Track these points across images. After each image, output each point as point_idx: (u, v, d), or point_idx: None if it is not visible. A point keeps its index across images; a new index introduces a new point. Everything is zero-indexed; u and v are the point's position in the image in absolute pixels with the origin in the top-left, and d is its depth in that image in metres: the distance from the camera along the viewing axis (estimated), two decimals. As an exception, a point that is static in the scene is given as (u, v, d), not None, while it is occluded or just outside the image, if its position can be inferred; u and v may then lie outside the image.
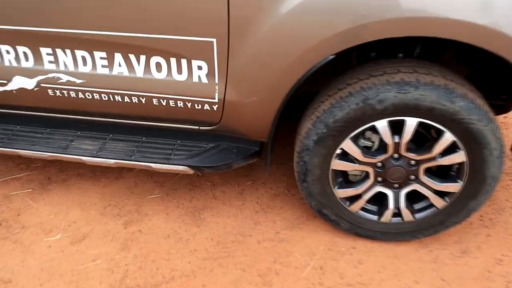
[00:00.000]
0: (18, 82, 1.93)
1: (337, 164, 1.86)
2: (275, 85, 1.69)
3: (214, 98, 1.78)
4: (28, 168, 2.53)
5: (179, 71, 1.75)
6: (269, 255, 2.01)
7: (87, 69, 1.83)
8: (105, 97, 1.89)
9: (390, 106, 1.66)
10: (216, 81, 1.74)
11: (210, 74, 1.73)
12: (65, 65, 1.84)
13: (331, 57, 1.59)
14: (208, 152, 2.02)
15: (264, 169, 2.03)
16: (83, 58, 1.81)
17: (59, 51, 1.81)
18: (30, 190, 2.38)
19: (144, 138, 2.10)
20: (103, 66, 1.81)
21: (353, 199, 1.98)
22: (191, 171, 1.99)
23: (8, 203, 2.31)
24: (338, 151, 1.82)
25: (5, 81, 1.94)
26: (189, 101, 1.82)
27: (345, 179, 1.98)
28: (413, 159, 1.81)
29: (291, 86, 1.67)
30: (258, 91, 1.72)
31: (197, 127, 1.95)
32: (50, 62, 1.85)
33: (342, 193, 1.95)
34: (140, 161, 2.00)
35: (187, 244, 2.07)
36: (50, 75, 1.88)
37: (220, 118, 1.86)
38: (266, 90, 1.71)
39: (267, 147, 2.00)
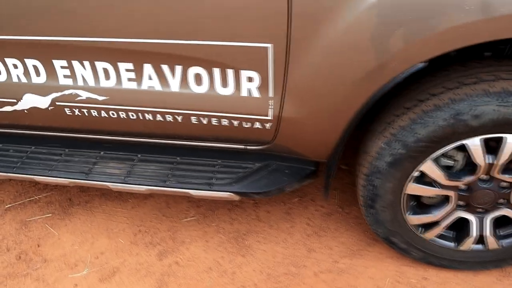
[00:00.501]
0: (30, 101, 1.58)
1: (414, 189, 1.50)
2: (346, 98, 1.32)
3: (267, 115, 1.41)
4: (47, 188, 2.20)
5: (224, 84, 1.38)
6: (329, 291, 1.68)
7: (111, 83, 1.47)
8: (132, 116, 1.53)
9: (488, 123, 1.29)
10: (270, 95, 1.37)
11: (263, 87, 1.36)
12: (83, 79, 1.48)
13: (421, 65, 1.21)
14: (256, 174, 1.66)
15: (323, 192, 1.67)
16: (105, 71, 1.45)
17: (75, 64, 1.45)
18: (50, 215, 2.06)
19: (178, 158, 1.75)
20: (129, 79, 1.45)
21: (428, 226, 1.62)
22: (237, 198, 1.64)
23: (26, 231, 1.98)
24: (416, 173, 1.46)
25: (15, 100, 1.59)
26: (236, 118, 1.45)
27: (418, 203, 1.62)
28: (508, 182, 1.45)
29: (365, 100, 1.30)
30: (324, 106, 1.35)
31: (244, 146, 1.60)
32: (65, 76, 1.49)
33: (416, 220, 1.60)
34: (176, 188, 1.65)
35: (232, 278, 1.74)
36: (66, 92, 1.52)
37: (274, 137, 1.50)
38: (334, 104, 1.34)
39: (326, 167, 1.64)
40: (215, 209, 2.04)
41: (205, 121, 1.49)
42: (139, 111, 1.52)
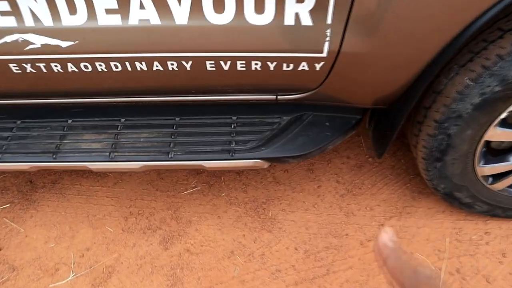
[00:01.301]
0: (-50, 56, 1.00)
1: (498, 135, 1.15)
2: (441, 23, 0.88)
3: (321, 52, 0.96)
4: (-4, 171, 1.64)
5: (259, 8, 0.90)
6: (383, 263, 1.34)
7: (79, 20, 0.93)
8: (116, 67, 1.02)
9: None
10: (329, 21, 0.90)
11: (318, 10, 0.89)
12: (34, 17, 0.93)
13: None
14: (288, 131, 1.23)
15: (376, 150, 1.28)
16: (69, 1, 0.90)
17: (18, -9, 0.89)
18: (8, 205, 1.52)
19: (178, 119, 1.27)
20: (108, 11, 0.92)
21: (500, 175, 1.29)
22: (266, 165, 1.21)
23: (-22, 231, 1.46)
24: (504, 115, 1.09)
25: None
26: (273, 59, 0.98)
27: (488, 151, 1.28)
28: None
29: (465, 25, 0.88)
30: (408, 33, 0.91)
31: (274, 97, 1.14)
32: (3, 13, 0.92)
33: (489, 170, 1.26)
34: (185, 161, 1.19)
35: (263, 261, 1.36)
36: (8, 39, 0.96)
37: (322, 82, 1.05)
38: (421, 33, 0.90)
39: (381, 117, 1.23)
40: (221, 175, 1.61)
41: (226, 66, 1.01)
42: (126, 59, 1.00)
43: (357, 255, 1.37)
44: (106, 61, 1.00)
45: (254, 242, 1.41)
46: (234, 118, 1.26)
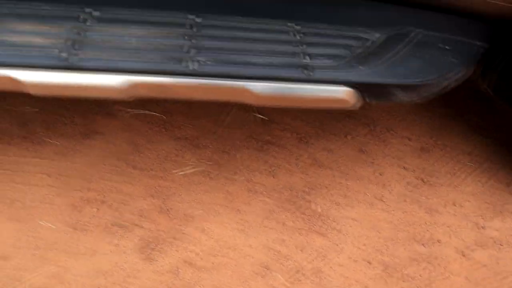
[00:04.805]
0: None
1: None
2: None
3: None
4: None
5: None
6: None
7: None
8: None
9: None
10: None
11: None
12: None
13: None
14: (391, 51, 0.69)
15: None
16: None
17: None
18: None
19: (198, 19, 0.68)
20: None
21: None
22: (358, 104, 0.65)
23: None
24: None
25: None
26: None
27: None
28: None
29: None
30: None
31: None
32: None
33: None
34: (217, 78, 0.60)
35: (321, 283, 0.76)
36: None
37: None
38: None
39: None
40: (232, 149, 1.01)
41: None
42: None
43: (462, 272, 0.82)
44: None
45: (302, 251, 0.81)
46: (295, 25, 0.71)
